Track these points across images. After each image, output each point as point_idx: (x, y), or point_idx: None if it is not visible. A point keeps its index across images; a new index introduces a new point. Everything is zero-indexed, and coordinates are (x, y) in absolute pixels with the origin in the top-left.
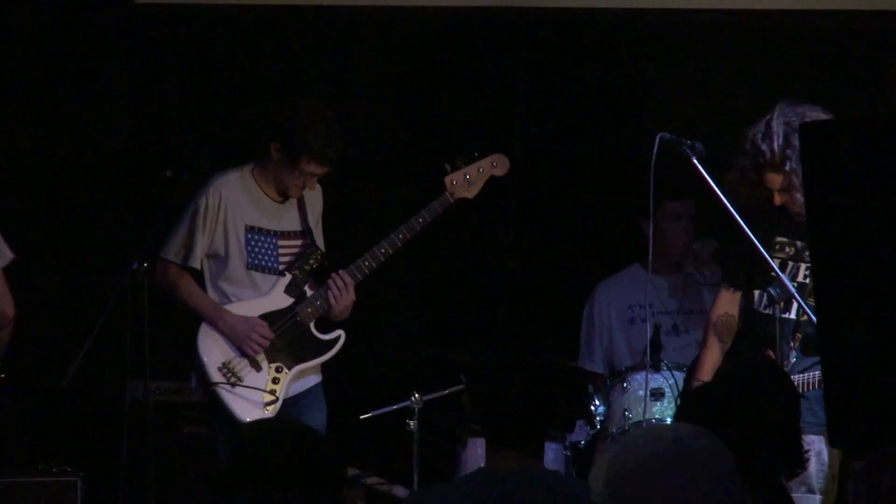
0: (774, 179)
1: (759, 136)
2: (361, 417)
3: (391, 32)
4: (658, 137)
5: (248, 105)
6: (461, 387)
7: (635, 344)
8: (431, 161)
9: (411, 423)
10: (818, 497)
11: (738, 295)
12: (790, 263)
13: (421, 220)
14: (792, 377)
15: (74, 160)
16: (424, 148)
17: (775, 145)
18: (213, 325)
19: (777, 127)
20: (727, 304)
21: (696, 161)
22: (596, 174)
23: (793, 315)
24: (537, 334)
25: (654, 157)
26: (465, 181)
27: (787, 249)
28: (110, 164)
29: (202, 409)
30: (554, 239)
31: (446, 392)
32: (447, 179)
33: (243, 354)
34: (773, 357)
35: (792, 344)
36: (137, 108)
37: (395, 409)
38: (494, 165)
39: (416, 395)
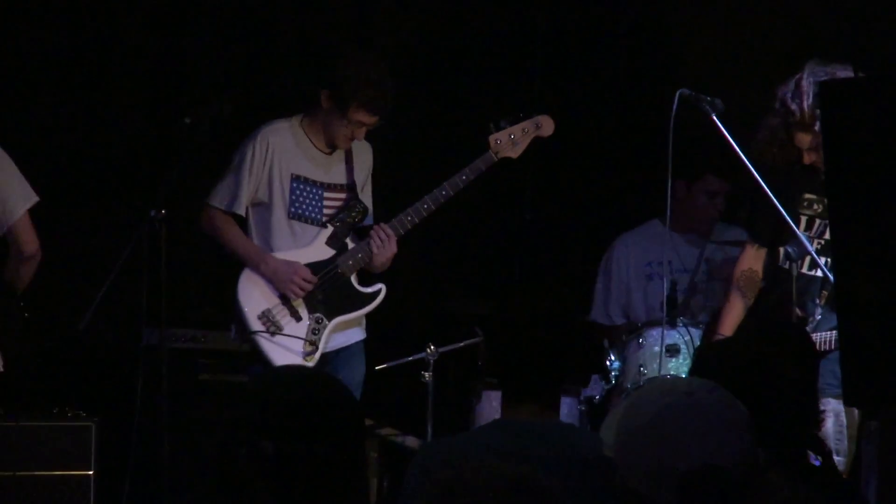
0: (804, 139)
1: (789, 95)
2: (377, 368)
3: None
4: (678, 94)
5: (271, 55)
6: (476, 339)
7: (652, 300)
8: (476, 120)
9: (426, 374)
10: (840, 459)
11: (763, 251)
12: (818, 221)
13: (464, 177)
14: (816, 335)
15: (94, 106)
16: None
17: (805, 104)
18: (256, 268)
19: (807, 86)
20: (751, 259)
21: (715, 118)
22: (615, 130)
23: (820, 272)
24: (552, 288)
25: (673, 113)
26: (510, 140)
27: (816, 206)
28: (130, 110)
29: (226, 356)
30: (571, 193)
31: (461, 344)
32: (491, 138)
33: (284, 303)
34: (799, 314)
35: (818, 301)
36: (158, 55)
37: (411, 361)
38: (539, 126)
39: (432, 347)
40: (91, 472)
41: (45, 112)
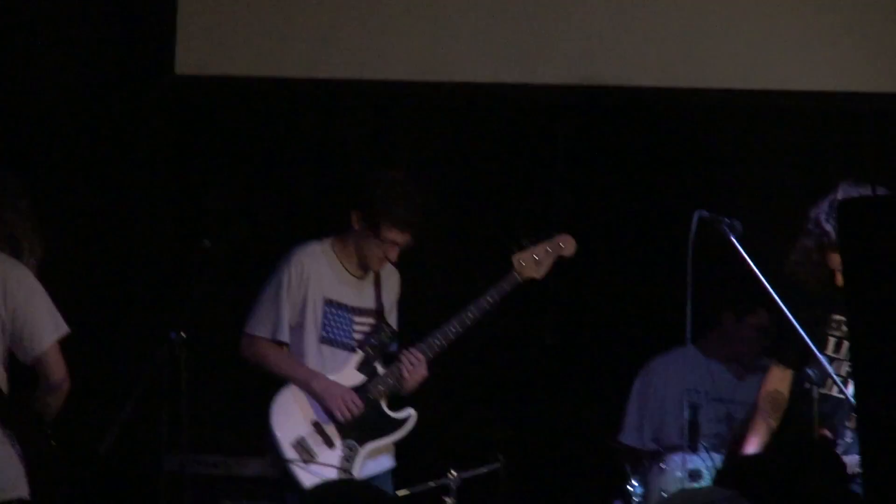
0: (837, 259)
1: (823, 216)
2: (399, 494)
3: (435, 108)
4: (696, 215)
5: (289, 176)
6: (497, 465)
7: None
8: (498, 240)
9: (448, 500)
10: None
11: (789, 373)
12: (846, 342)
13: (490, 299)
14: (847, 458)
15: (114, 227)
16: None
17: None
18: (307, 385)
19: None
20: (777, 380)
21: (734, 239)
22: (636, 252)
23: (850, 393)
24: (573, 412)
25: (692, 234)
26: (534, 261)
27: (845, 328)
28: (150, 232)
29: (249, 482)
30: (593, 316)
31: (483, 470)
32: (515, 259)
33: (317, 430)
34: (829, 436)
35: (848, 424)
36: (177, 177)
37: (433, 487)
38: (562, 246)
39: (453, 473)
40: None
41: (63, 234)
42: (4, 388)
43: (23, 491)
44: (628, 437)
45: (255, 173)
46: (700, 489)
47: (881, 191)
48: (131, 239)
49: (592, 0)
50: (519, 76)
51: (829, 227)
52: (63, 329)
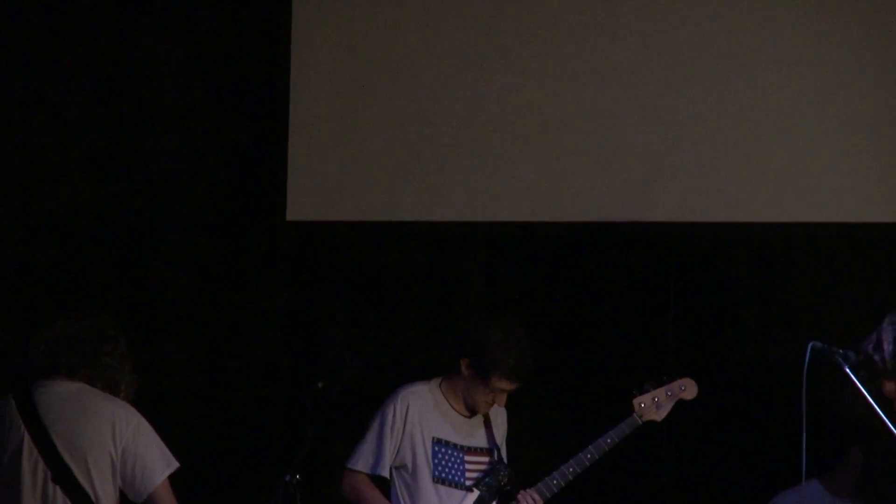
0: (890, 386)
1: (871, 346)
2: None
3: (548, 247)
4: (809, 346)
5: (402, 320)
6: None
7: None
8: (619, 382)
9: None
10: None
11: None
12: None
13: (609, 440)
14: None
15: (228, 372)
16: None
17: (886, 353)
18: None
19: (886, 335)
20: None
21: (848, 370)
22: (750, 389)
23: None
24: None
25: (805, 366)
26: (654, 404)
27: None
28: (263, 376)
29: None
30: (707, 455)
31: None
32: (635, 402)
33: None
34: None
35: None
36: (290, 320)
37: None
38: (682, 389)
39: None
40: None
41: (177, 373)
42: None
43: None
44: None
45: (367, 316)
46: None
47: None
48: (246, 382)
49: (700, 138)
50: (630, 215)
51: (877, 357)
52: (173, 464)
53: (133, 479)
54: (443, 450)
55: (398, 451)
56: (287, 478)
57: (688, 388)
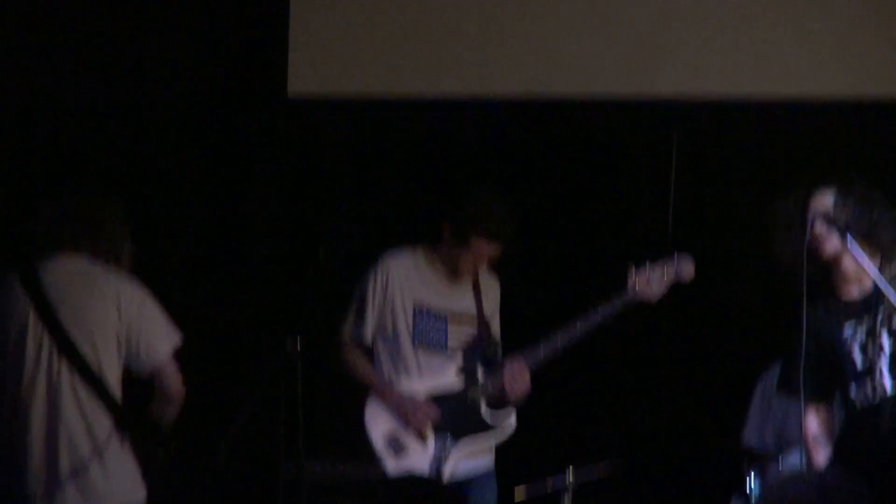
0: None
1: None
2: (517, 494)
3: (544, 123)
4: (809, 223)
5: (401, 190)
6: (612, 465)
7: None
8: (614, 258)
9: (565, 501)
10: None
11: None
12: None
13: (599, 314)
14: None
15: (229, 245)
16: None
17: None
18: (381, 399)
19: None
20: (814, 423)
21: (850, 240)
22: (751, 261)
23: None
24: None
25: (806, 237)
26: (648, 282)
27: None
28: (264, 246)
29: (366, 486)
30: (712, 319)
31: (600, 470)
32: (630, 279)
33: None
34: None
35: None
36: (291, 194)
37: (550, 487)
38: (679, 269)
39: (571, 472)
40: None
41: (180, 247)
42: (121, 404)
43: (137, 495)
44: (750, 439)
45: (368, 187)
46: (813, 472)
47: None
48: (247, 249)
49: (702, 11)
50: (631, 88)
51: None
52: (177, 338)
53: (138, 354)
54: (424, 315)
55: (380, 318)
56: (288, 343)
57: (684, 270)
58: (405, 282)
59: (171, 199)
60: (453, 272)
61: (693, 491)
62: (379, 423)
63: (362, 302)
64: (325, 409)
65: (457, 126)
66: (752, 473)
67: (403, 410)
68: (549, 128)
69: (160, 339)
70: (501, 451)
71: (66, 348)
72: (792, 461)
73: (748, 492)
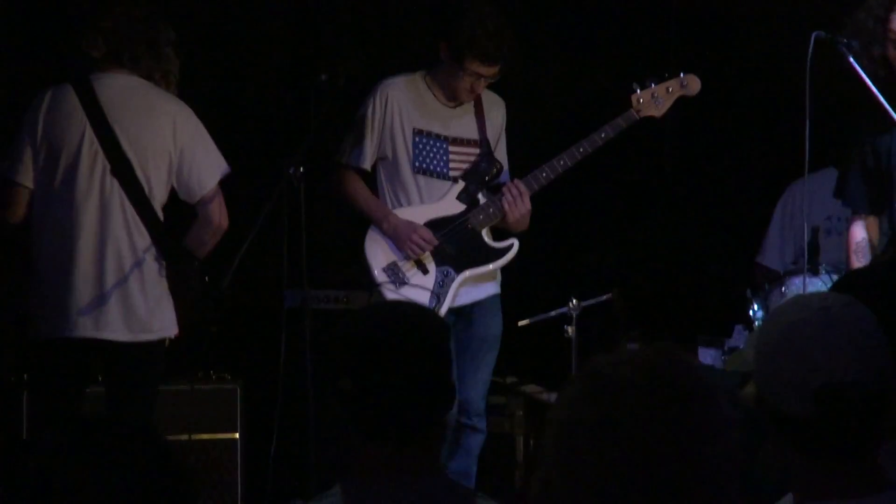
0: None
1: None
2: (520, 324)
3: None
4: (813, 36)
5: (404, 11)
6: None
7: (827, 256)
8: (619, 79)
9: (569, 329)
10: None
11: (873, 219)
12: None
13: (603, 134)
14: None
15: (232, 66)
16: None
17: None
18: (378, 226)
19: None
20: (860, 229)
21: (851, 59)
22: (753, 77)
23: None
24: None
25: (809, 56)
26: (653, 99)
27: None
28: (266, 69)
29: None
30: (711, 147)
31: (604, 298)
32: (633, 97)
33: (407, 257)
34: None
35: None
36: (293, 14)
37: (553, 316)
38: (684, 85)
39: (574, 301)
40: (237, 435)
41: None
42: (162, 227)
43: (173, 330)
44: (769, 259)
45: (369, 6)
46: (817, 295)
47: None
48: (249, 75)
49: None
50: None
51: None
52: (225, 168)
53: (189, 180)
54: (424, 140)
55: (380, 144)
56: (290, 170)
57: (690, 84)
58: (404, 107)
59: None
60: (453, 95)
61: (696, 316)
62: (379, 252)
63: (361, 127)
64: (327, 237)
65: None
66: (755, 300)
67: (403, 236)
68: None
69: (211, 166)
70: (504, 282)
71: (120, 168)
72: (796, 285)
73: (751, 315)
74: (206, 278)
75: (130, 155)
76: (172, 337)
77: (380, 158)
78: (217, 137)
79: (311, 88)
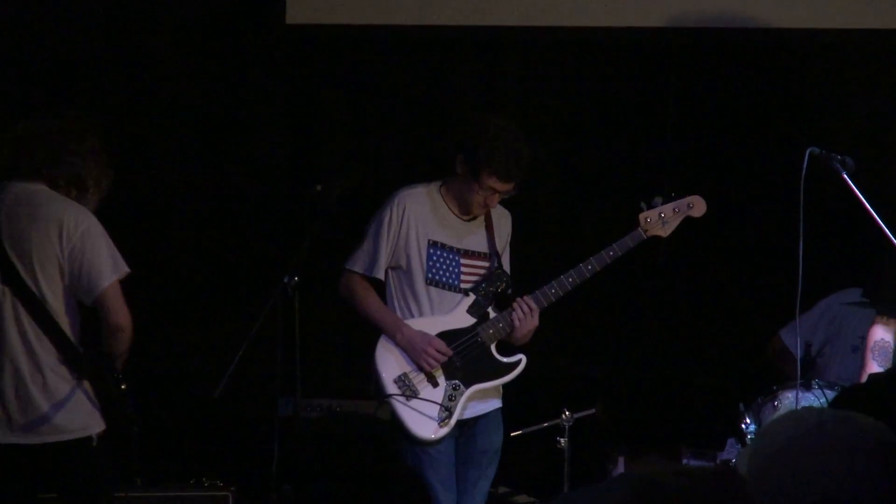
0: None
1: None
2: (513, 434)
3: (541, 52)
4: (808, 152)
5: (401, 123)
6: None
7: (845, 372)
8: (626, 197)
9: (562, 440)
10: None
11: (893, 321)
12: None
13: (612, 252)
14: None
15: (228, 175)
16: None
17: None
18: (392, 337)
19: None
20: (882, 330)
21: (845, 176)
22: (746, 193)
23: None
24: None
25: (804, 172)
26: (660, 219)
27: None
28: (262, 179)
29: (382, 423)
30: (704, 257)
31: (593, 411)
32: (641, 216)
33: (420, 369)
34: None
35: None
36: (289, 125)
37: (546, 427)
38: (690, 206)
39: (567, 413)
40: None
41: (179, 179)
42: (69, 333)
43: (94, 428)
44: (788, 337)
45: (366, 119)
46: (813, 410)
47: None
48: (245, 185)
49: None
50: (629, 20)
51: None
52: (123, 269)
53: (80, 281)
54: (438, 252)
55: (394, 253)
56: (286, 279)
57: (696, 206)
58: (421, 218)
59: (165, 126)
60: (466, 208)
61: (687, 430)
62: (390, 363)
63: (377, 235)
64: (322, 347)
65: (457, 58)
66: (748, 414)
67: (418, 348)
68: (547, 60)
69: (103, 268)
70: (507, 391)
71: (7, 275)
72: (788, 399)
73: (743, 428)
74: (122, 384)
75: (17, 262)
76: (94, 435)
77: (392, 268)
78: (213, 247)
79: (307, 199)
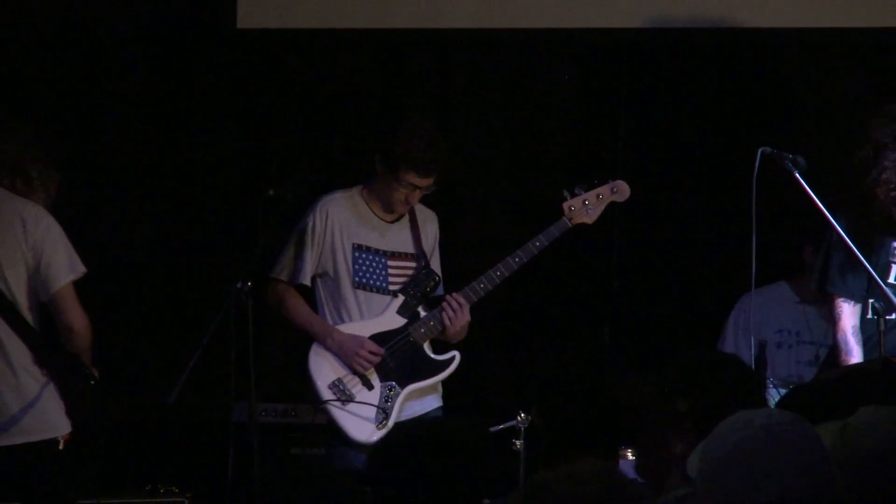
0: None
1: None
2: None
3: (493, 54)
4: (759, 151)
5: (349, 125)
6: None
7: (777, 369)
8: (549, 186)
9: (517, 442)
10: None
11: (858, 307)
12: None
13: (538, 243)
14: None
15: (177, 181)
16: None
17: None
18: (323, 342)
19: None
20: (849, 316)
21: (797, 175)
22: (699, 193)
23: None
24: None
25: (755, 171)
26: (584, 206)
27: None
28: (213, 184)
29: (316, 430)
30: (658, 259)
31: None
32: (565, 205)
33: (354, 373)
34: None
35: None
36: (240, 130)
37: (501, 429)
38: (614, 191)
39: (522, 415)
40: None
41: (127, 185)
42: (35, 330)
43: (61, 430)
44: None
45: (318, 124)
46: (761, 412)
47: None
48: (197, 190)
49: None
50: (581, 21)
51: None
52: (79, 270)
53: (37, 278)
54: (364, 255)
55: (320, 260)
56: (238, 285)
57: (619, 190)
58: (344, 222)
59: (117, 133)
60: (389, 208)
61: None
62: (324, 369)
63: (301, 243)
64: (275, 352)
65: (409, 61)
66: None
67: (349, 351)
68: (499, 61)
69: (61, 266)
70: (453, 393)
71: None
72: None
73: None
74: (92, 380)
75: None
76: (60, 436)
77: (318, 275)
78: (165, 253)
79: (259, 203)
